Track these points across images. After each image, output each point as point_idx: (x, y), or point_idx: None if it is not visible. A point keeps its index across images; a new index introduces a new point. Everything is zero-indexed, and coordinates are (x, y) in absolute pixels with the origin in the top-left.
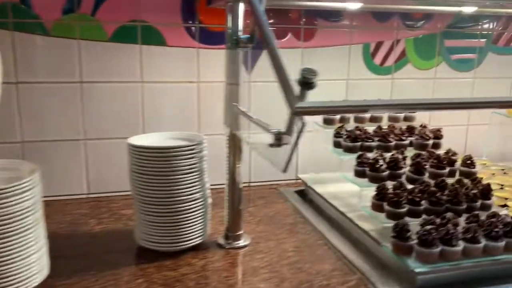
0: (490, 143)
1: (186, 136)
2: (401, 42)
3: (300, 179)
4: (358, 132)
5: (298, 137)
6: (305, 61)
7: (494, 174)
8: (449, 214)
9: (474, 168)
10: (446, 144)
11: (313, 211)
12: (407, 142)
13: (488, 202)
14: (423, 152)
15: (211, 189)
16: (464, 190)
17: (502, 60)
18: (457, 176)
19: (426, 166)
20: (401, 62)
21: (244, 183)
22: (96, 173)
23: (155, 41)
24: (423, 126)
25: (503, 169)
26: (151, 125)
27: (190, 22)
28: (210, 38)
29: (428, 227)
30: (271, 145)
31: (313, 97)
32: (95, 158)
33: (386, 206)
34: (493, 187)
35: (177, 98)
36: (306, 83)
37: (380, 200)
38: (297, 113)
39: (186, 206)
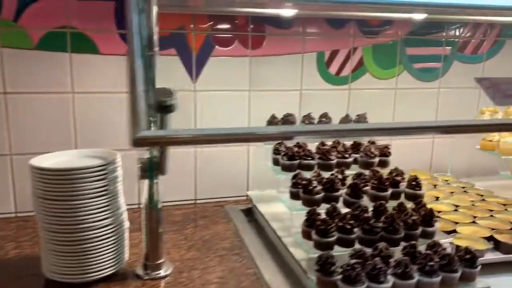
0: (456, 157)
1: (100, 154)
2: (358, 50)
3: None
4: (296, 149)
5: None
6: (254, 70)
7: (453, 192)
8: (382, 244)
9: (419, 190)
10: (410, 159)
11: (255, 233)
12: (350, 160)
13: (430, 229)
14: (366, 172)
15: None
16: (403, 216)
17: (469, 68)
18: (402, 199)
19: (366, 188)
20: (359, 71)
21: (189, 200)
22: (23, 190)
23: (86, 49)
24: (371, 142)
25: (464, 187)
26: (86, 139)
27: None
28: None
29: (353, 261)
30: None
31: (266, 108)
32: (22, 174)
33: (313, 235)
34: (447, 208)
35: (113, 110)
36: (163, 107)
37: (309, 226)
38: (138, 144)
39: (94, 233)
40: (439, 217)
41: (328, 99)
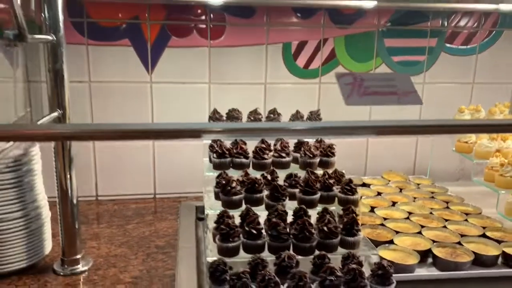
0: (436, 159)
1: (17, 145)
2: (329, 42)
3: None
4: (230, 146)
5: None
6: (214, 62)
7: (416, 198)
8: (285, 253)
9: (352, 195)
10: (392, 160)
11: (196, 232)
12: (288, 159)
13: (350, 239)
14: (297, 173)
15: None
16: (321, 223)
17: (459, 62)
18: (336, 203)
19: (295, 190)
20: (330, 64)
21: (149, 194)
22: None
23: None
24: (318, 141)
25: (433, 192)
26: None
27: (77, 17)
28: (101, 33)
29: (241, 269)
30: None
31: (228, 102)
32: None
33: (217, 240)
34: (399, 215)
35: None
36: None
37: (217, 230)
38: None
39: (3, 225)
40: (383, 224)
41: (296, 94)
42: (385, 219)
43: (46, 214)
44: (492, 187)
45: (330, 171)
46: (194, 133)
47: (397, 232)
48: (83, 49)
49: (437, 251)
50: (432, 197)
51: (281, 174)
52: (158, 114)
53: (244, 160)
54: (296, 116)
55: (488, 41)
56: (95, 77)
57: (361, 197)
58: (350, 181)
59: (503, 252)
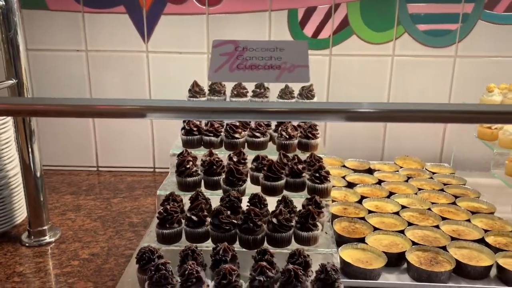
0: (460, 146)
1: None
2: (341, 7)
3: None
4: (199, 123)
5: None
6: (212, 30)
7: (421, 190)
8: (223, 245)
9: (320, 183)
10: (416, 142)
11: None
12: (263, 139)
13: (303, 233)
14: (265, 155)
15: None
16: (271, 214)
17: (500, 31)
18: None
19: (259, 174)
20: (343, 33)
21: (148, 168)
22: None
23: (35, 4)
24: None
25: (447, 184)
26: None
27: None
28: (96, 0)
29: (162, 261)
30: None
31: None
32: None
33: (156, 226)
34: (391, 208)
35: (63, 69)
36: None
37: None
38: None
39: None
40: (364, 218)
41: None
42: (370, 212)
43: (17, 183)
44: (509, 183)
45: (306, 155)
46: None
47: (375, 229)
48: (79, 17)
49: (412, 256)
50: (442, 189)
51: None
52: (155, 85)
53: (213, 138)
54: (285, 92)
55: None
56: (92, 46)
57: (333, 186)
58: (320, 167)
59: (497, 263)
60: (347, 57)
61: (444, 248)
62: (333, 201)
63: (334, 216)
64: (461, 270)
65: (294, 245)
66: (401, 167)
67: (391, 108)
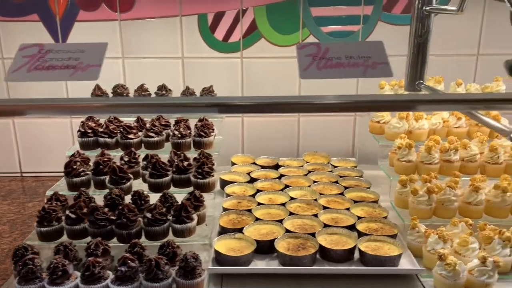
0: (363, 139)
1: None
2: (249, 12)
3: None
4: (93, 124)
5: None
6: (126, 36)
7: (316, 182)
8: (95, 240)
9: (203, 178)
10: (329, 139)
11: None
12: (158, 139)
13: (177, 226)
14: (155, 154)
15: None
16: (147, 209)
17: (399, 31)
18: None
19: (146, 172)
20: (252, 36)
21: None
22: None
23: None
24: (201, 120)
25: (342, 176)
26: None
27: None
28: (10, 9)
29: (30, 256)
30: None
31: (144, 78)
32: None
33: (35, 225)
34: (283, 199)
35: None
36: None
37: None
38: None
39: None
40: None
41: (216, 69)
42: (259, 204)
43: None
44: (388, 173)
45: (196, 153)
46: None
47: (257, 219)
48: None
49: (283, 243)
50: (336, 181)
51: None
52: (73, 90)
53: (108, 139)
54: (185, 93)
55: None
56: (8, 54)
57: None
58: (203, 163)
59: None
60: (258, 59)
61: (314, 234)
62: (228, 195)
63: (224, 209)
64: (325, 254)
65: (171, 237)
66: (306, 162)
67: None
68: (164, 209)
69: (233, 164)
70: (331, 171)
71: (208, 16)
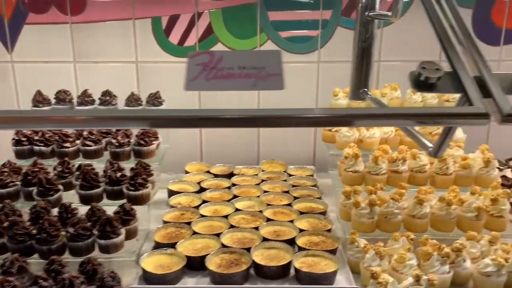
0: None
1: None
2: (204, 16)
3: None
4: (29, 133)
5: None
6: (77, 39)
7: (266, 192)
8: (11, 257)
9: (135, 190)
10: (291, 147)
11: None
12: (96, 147)
13: (102, 242)
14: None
15: None
16: (70, 223)
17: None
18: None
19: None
20: (208, 41)
21: None
22: None
23: None
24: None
25: (294, 186)
26: None
27: None
28: None
29: None
30: None
31: (97, 82)
32: None
33: None
34: (227, 210)
35: None
36: None
37: None
38: None
39: None
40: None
41: (172, 73)
42: (202, 216)
43: None
44: (336, 183)
45: (133, 163)
46: None
47: (194, 233)
48: None
49: (216, 259)
50: (287, 191)
51: (96, 165)
52: (24, 95)
53: (44, 148)
54: (130, 100)
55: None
56: None
57: (155, 192)
58: (136, 175)
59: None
60: None
61: (249, 249)
62: (172, 206)
63: (164, 223)
64: (259, 271)
65: (97, 253)
66: (263, 171)
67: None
68: (89, 223)
69: (187, 172)
70: (285, 180)
71: (162, 20)
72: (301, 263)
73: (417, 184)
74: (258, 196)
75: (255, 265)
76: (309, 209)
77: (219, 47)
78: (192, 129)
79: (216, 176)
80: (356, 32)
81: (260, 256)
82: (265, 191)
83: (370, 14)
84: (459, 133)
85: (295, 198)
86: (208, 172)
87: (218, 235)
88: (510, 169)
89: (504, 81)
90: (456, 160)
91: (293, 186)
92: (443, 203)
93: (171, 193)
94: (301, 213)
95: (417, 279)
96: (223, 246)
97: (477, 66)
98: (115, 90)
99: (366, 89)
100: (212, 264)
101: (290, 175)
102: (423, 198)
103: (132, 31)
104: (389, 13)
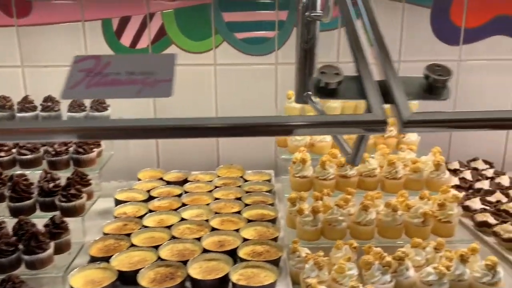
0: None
1: None
2: (157, 17)
3: None
4: None
5: None
6: (25, 43)
7: (216, 199)
8: None
9: (67, 202)
10: (253, 152)
11: None
12: (32, 156)
13: (26, 257)
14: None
15: None
16: (2, 239)
17: (320, 37)
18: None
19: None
20: (161, 42)
21: None
22: None
23: None
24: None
25: (248, 192)
26: None
27: None
28: None
29: None
30: None
31: (47, 87)
32: None
33: None
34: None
35: None
36: None
37: None
38: None
39: None
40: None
41: None
42: (145, 227)
43: None
44: (286, 189)
45: (69, 173)
46: None
47: (132, 245)
48: None
49: (150, 273)
50: (240, 198)
51: (31, 175)
52: None
53: None
54: (72, 106)
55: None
56: None
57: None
58: (69, 185)
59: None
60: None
61: (186, 262)
62: (116, 217)
63: (105, 234)
64: (194, 285)
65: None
66: (218, 176)
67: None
68: (14, 238)
69: (139, 180)
70: (239, 186)
71: (112, 21)
72: (239, 275)
73: (367, 189)
74: (208, 204)
75: (190, 278)
76: (260, 216)
77: (173, 49)
78: None
79: (168, 183)
80: (298, 33)
81: (198, 269)
82: (217, 199)
83: (309, 14)
84: (412, 136)
85: (247, 205)
86: (161, 179)
87: (157, 247)
88: (469, 171)
89: (409, 85)
90: (407, 163)
91: (248, 192)
92: (389, 208)
93: (118, 202)
94: (250, 221)
95: None
96: (160, 259)
97: (385, 70)
98: None
99: (309, 92)
100: (146, 278)
101: (246, 181)
102: (367, 204)
103: (82, 33)
104: (321, 13)
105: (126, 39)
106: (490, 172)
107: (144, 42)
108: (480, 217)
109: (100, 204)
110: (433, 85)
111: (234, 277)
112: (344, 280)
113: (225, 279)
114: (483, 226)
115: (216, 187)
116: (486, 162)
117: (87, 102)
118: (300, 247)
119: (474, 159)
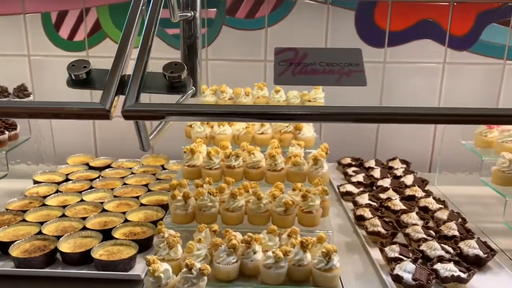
0: None
1: None
2: (92, 12)
3: None
4: None
5: None
6: None
7: (126, 184)
8: None
9: None
10: None
11: None
12: None
13: None
14: None
15: None
16: None
17: (245, 36)
18: None
19: None
20: (97, 36)
21: None
22: None
23: None
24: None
25: (161, 179)
26: None
27: None
28: None
29: None
30: None
31: None
32: None
33: None
34: (74, 200)
35: None
36: None
37: None
38: None
39: None
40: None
41: (64, 67)
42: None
43: None
44: (179, 177)
45: None
46: None
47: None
48: None
49: (24, 245)
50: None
51: None
52: None
53: None
54: None
55: (279, 11)
56: None
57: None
58: None
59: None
60: (104, 59)
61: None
62: (25, 196)
63: (7, 210)
64: (63, 257)
65: None
66: (142, 165)
67: None
68: None
69: (67, 164)
70: (154, 174)
71: (51, 15)
72: (104, 251)
73: (252, 179)
74: (112, 189)
75: (60, 252)
76: (159, 202)
77: (107, 42)
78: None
79: (91, 168)
80: (181, 30)
81: (72, 244)
82: (125, 184)
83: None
84: (308, 132)
85: (150, 191)
86: (87, 164)
87: (43, 223)
88: (380, 169)
89: (155, 81)
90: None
91: (159, 179)
92: (255, 197)
93: (35, 183)
94: (142, 205)
95: (189, 268)
96: (40, 233)
97: (135, 67)
98: (9, 84)
99: (194, 88)
100: (20, 249)
101: (165, 169)
102: (235, 192)
103: (23, 25)
104: (188, 14)
105: (64, 32)
106: (400, 171)
107: (81, 35)
108: (358, 212)
109: (18, 184)
110: (170, 81)
111: (98, 253)
112: (191, 259)
113: (89, 253)
114: (360, 220)
115: (133, 173)
116: (403, 161)
117: (10, 89)
118: (165, 228)
119: (393, 159)
